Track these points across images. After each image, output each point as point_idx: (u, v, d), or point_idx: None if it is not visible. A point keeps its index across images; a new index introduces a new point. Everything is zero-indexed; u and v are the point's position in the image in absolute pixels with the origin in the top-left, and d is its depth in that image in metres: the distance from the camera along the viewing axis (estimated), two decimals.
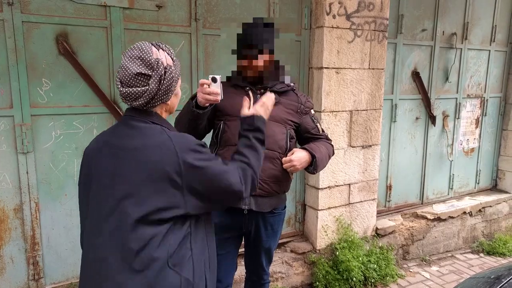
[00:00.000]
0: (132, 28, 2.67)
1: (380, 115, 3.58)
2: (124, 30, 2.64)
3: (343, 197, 3.52)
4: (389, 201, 4.12)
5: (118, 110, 2.67)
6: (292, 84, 2.16)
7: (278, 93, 2.05)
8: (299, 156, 2.02)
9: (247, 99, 1.77)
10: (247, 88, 2.06)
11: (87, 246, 1.41)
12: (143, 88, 1.32)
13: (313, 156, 2.04)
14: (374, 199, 3.72)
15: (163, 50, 1.38)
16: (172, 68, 1.38)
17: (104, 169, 1.35)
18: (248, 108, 1.72)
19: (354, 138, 3.48)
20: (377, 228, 3.77)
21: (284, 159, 2.03)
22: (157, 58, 1.33)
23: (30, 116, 2.46)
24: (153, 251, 1.29)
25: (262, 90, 2.04)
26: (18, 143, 2.44)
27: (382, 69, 3.52)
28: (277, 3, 3.18)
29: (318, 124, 2.22)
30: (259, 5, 3.12)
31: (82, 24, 2.52)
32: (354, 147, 3.50)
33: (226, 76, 2.11)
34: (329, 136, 2.28)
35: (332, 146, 2.25)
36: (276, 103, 2.04)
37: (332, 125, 3.34)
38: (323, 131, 2.25)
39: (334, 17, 3.20)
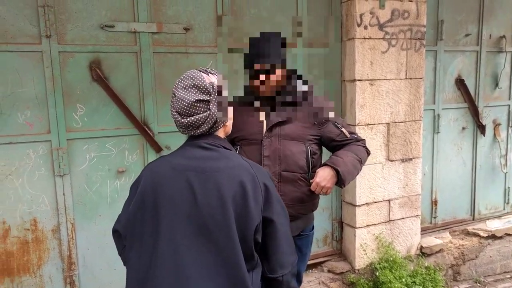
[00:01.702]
0: (161, 51, 2.73)
1: (420, 126, 3.38)
2: (153, 53, 2.70)
3: (382, 214, 3.34)
4: (435, 217, 3.85)
5: (149, 131, 2.72)
6: (308, 93, 1.99)
7: (292, 108, 1.94)
8: (323, 176, 1.87)
9: None
10: (259, 107, 1.97)
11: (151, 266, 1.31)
12: (205, 114, 1.31)
13: (336, 171, 1.87)
14: (417, 215, 3.48)
15: (211, 73, 1.38)
16: (223, 90, 1.37)
17: (181, 194, 1.29)
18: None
19: (392, 151, 3.30)
20: (422, 247, 3.53)
21: (312, 186, 1.89)
22: (211, 82, 1.33)
23: (66, 140, 2.56)
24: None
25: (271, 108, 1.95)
26: (55, 166, 2.55)
27: (421, 78, 3.33)
28: (306, 18, 3.12)
29: (343, 129, 2.02)
30: (286, 20, 3.07)
31: (114, 50, 2.61)
32: (393, 161, 3.32)
33: (233, 96, 2.04)
34: (360, 138, 2.08)
35: (364, 146, 2.05)
36: (290, 119, 1.95)
37: (368, 139, 3.19)
38: (351, 133, 2.04)
39: (365, 28, 3.08)
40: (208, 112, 1.32)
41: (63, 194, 2.59)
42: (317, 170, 1.93)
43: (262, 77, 1.89)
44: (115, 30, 2.60)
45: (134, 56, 2.67)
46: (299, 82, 2.04)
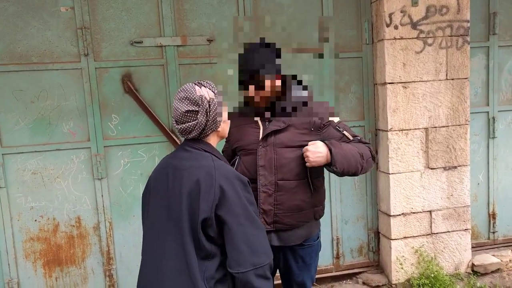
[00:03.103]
0: (186, 63, 2.87)
1: (466, 131, 3.02)
2: (178, 65, 2.85)
3: (423, 226, 3.04)
4: (493, 233, 3.39)
5: (175, 139, 2.86)
6: (302, 96, 1.90)
7: (288, 115, 1.89)
8: (314, 147, 1.79)
9: None
10: (255, 116, 1.94)
11: (147, 252, 1.57)
12: (193, 123, 1.50)
13: (330, 150, 1.77)
14: (466, 229, 3.10)
15: (204, 86, 1.56)
16: (215, 100, 1.53)
17: (162, 186, 1.54)
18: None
19: (432, 158, 3.00)
20: (473, 265, 3.13)
21: (303, 148, 1.81)
22: (201, 95, 1.50)
23: (103, 147, 2.82)
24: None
25: (270, 118, 1.91)
26: (94, 170, 2.82)
27: (465, 78, 2.99)
28: (329, 21, 3.02)
29: (345, 132, 1.90)
30: (312, 25, 3.01)
31: (142, 64, 2.82)
32: (434, 169, 3.01)
33: (233, 107, 2.05)
34: (364, 140, 1.94)
35: (369, 148, 1.91)
36: (286, 128, 1.91)
37: (403, 145, 2.96)
38: (354, 136, 1.93)
39: (396, 27, 2.88)
40: (196, 121, 1.49)
41: (102, 195, 2.85)
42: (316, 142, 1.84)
43: (252, 88, 1.87)
44: (143, 46, 2.81)
45: (161, 68, 2.85)
46: (298, 88, 1.98)
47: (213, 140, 1.61)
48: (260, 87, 1.85)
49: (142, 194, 1.67)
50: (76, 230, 2.86)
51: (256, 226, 1.50)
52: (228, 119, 1.70)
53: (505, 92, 3.33)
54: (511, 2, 3.27)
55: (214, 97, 1.53)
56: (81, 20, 2.70)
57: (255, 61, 1.83)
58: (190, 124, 1.49)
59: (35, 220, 2.78)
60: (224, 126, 1.63)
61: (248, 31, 2.65)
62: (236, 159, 2.01)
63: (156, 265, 1.52)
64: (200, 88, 1.53)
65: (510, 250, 3.30)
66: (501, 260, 3.16)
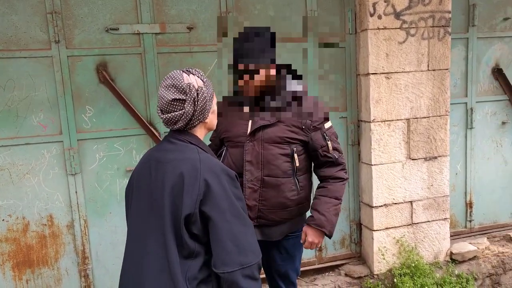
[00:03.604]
0: (165, 51, 2.71)
1: (446, 122, 3.04)
2: (157, 54, 2.70)
3: (404, 216, 3.04)
4: (470, 221, 3.45)
5: (154, 131, 2.71)
6: (301, 93, 1.84)
7: (278, 110, 1.81)
8: (314, 235, 1.90)
9: None
10: (245, 107, 1.85)
11: (130, 250, 1.48)
12: (180, 112, 1.40)
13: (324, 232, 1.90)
14: (445, 218, 3.14)
15: (193, 74, 1.45)
16: (204, 89, 1.44)
17: (144, 180, 1.46)
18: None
19: (414, 149, 3.00)
20: (452, 253, 3.17)
21: (305, 246, 1.93)
22: (189, 83, 1.40)
23: (76, 141, 2.63)
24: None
25: (260, 109, 1.83)
26: (67, 165, 2.63)
27: (446, 69, 2.99)
28: (315, 10, 2.94)
29: (329, 142, 1.86)
30: (295, 14, 2.92)
31: (119, 53, 2.64)
32: (415, 159, 3.01)
33: (223, 96, 1.95)
34: (341, 159, 1.92)
35: (341, 178, 1.92)
36: (275, 123, 1.81)
37: (385, 136, 2.93)
38: (335, 149, 1.89)
39: (379, 17, 2.83)
40: (183, 110, 1.40)
41: (76, 192, 2.67)
42: (304, 230, 1.91)
43: (246, 77, 1.78)
44: (119, 33, 2.63)
45: (139, 57, 2.68)
46: (293, 81, 1.89)
47: (200, 132, 1.53)
48: (254, 76, 1.76)
49: (125, 190, 1.58)
50: (48, 229, 2.68)
51: (244, 223, 1.41)
52: (218, 109, 1.61)
53: (482, 84, 3.36)
54: None
55: (202, 86, 1.44)
56: (51, 4, 2.49)
57: (250, 49, 1.74)
58: (176, 113, 1.40)
59: (3, 220, 2.57)
60: (212, 118, 1.54)
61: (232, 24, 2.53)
62: (223, 150, 1.93)
63: (137, 264, 1.42)
64: (188, 75, 1.44)
65: (486, 238, 3.37)
66: (478, 248, 3.22)
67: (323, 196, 1.90)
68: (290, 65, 1.94)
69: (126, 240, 1.53)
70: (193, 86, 1.41)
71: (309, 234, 1.89)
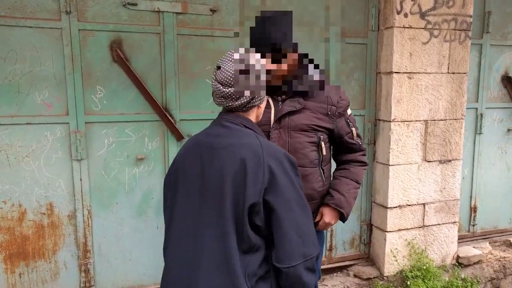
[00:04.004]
0: (185, 33, 2.51)
1: (462, 126, 3.01)
2: (176, 35, 2.49)
3: (416, 219, 2.99)
4: (473, 225, 3.45)
5: (170, 117, 2.50)
6: (322, 81, 1.73)
7: (303, 96, 1.70)
8: (331, 216, 1.81)
9: None
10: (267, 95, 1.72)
11: (176, 245, 1.34)
12: (245, 86, 1.31)
13: (341, 213, 1.82)
14: (454, 222, 3.11)
15: (253, 53, 1.37)
16: (264, 70, 1.36)
17: (194, 168, 1.32)
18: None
19: (430, 151, 2.95)
20: (458, 257, 3.15)
21: (320, 225, 1.83)
22: (257, 59, 1.33)
23: (84, 124, 2.39)
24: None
25: (284, 97, 1.72)
26: (72, 150, 2.38)
27: (465, 73, 2.96)
28: (339, 3, 2.82)
29: (353, 129, 1.82)
30: (318, 7, 2.78)
31: (136, 30, 2.42)
32: (430, 161, 2.96)
33: None
34: (363, 146, 1.90)
35: (363, 163, 1.88)
36: (301, 110, 1.69)
37: (403, 137, 2.86)
38: (358, 136, 1.85)
39: (406, 15, 2.76)
40: (248, 85, 1.31)
41: (80, 179, 2.42)
42: (321, 210, 1.81)
43: (282, 61, 1.63)
44: (137, 9, 2.40)
45: (157, 37, 2.46)
46: (314, 69, 1.77)
47: (252, 118, 1.40)
48: (278, 60, 1.61)
49: (165, 180, 1.45)
50: (47, 219, 2.41)
51: (307, 213, 1.32)
52: None
53: (492, 90, 3.37)
54: (504, 2, 3.30)
55: (263, 67, 1.35)
56: None
57: (275, 32, 1.59)
58: (241, 87, 1.29)
59: None
60: (263, 106, 1.45)
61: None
62: None
63: (188, 260, 1.28)
64: (250, 53, 1.35)
65: (488, 242, 3.37)
66: (482, 252, 3.21)
67: (344, 178, 1.84)
68: (307, 54, 1.82)
69: (169, 235, 1.38)
70: (258, 63, 1.33)
71: (326, 214, 1.80)
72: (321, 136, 1.74)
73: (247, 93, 1.31)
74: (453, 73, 2.93)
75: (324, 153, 1.75)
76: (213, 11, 2.55)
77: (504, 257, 3.28)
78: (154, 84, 2.49)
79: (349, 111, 1.82)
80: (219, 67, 1.32)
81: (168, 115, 2.51)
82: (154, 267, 2.60)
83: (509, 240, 3.40)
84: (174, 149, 2.54)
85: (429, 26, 2.82)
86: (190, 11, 2.50)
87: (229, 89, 1.30)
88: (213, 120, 1.42)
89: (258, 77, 1.32)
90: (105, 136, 2.45)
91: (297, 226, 1.28)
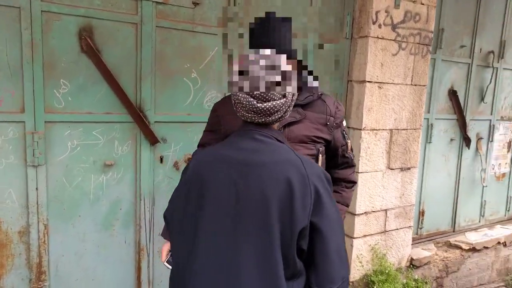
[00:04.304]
0: (165, 26, 2.38)
1: (419, 135, 3.36)
2: (155, 27, 2.35)
3: (379, 224, 3.26)
4: (421, 228, 3.87)
5: (144, 119, 2.36)
6: (318, 90, 1.77)
7: (302, 106, 1.71)
8: None
9: None
10: None
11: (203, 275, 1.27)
12: (281, 101, 1.26)
13: None
14: (410, 226, 3.46)
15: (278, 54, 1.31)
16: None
17: (223, 186, 1.26)
18: None
19: (393, 159, 3.24)
20: (412, 259, 3.51)
21: None
22: (288, 64, 1.27)
23: (43, 123, 2.13)
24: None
25: None
26: (28, 154, 2.11)
27: (424, 85, 3.31)
28: (319, 6, 2.94)
29: (348, 141, 1.87)
30: (299, 8, 2.87)
31: (110, 18, 2.23)
32: (393, 169, 3.26)
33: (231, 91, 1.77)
34: (354, 161, 1.94)
35: (353, 182, 1.94)
36: (301, 120, 1.71)
37: (372, 145, 3.10)
38: (351, 150, 1.90)
39: (380, 26, 2.98)
40: (285, 99, 1.26)
41: (36, 188, 2.16)
42: None
43: None
44: None
45: (134, 27, 2.31)
46: (309, 77, 1.83)
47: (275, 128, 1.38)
48: None
49: (180, 192, 1.39)
50: None
51: (343, 233, 1.37)
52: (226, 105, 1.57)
53: (440, 102, 3.80)
54: (454, 21, 3.74)
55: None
56: None
57: (280, 35, 1.58)
58: (277, 102, 1.24)
59: None
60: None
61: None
62: None
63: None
64: (280, 57, 1.28)
65: (433, 244, 3.82)
66: (431, 254, 3.62)
67: (336, 203, 1.91)
68: (302, 60, 1.86)
69: (191, 260, 1.29)
70: (289, 69, 1.27)
71: None
72: (320, 148, 1.75)
73: (284, 107, 1.27)
74: (415, 85, 3.25)
75: (320, 165, 1.77)
76: (195, 4, 2.47)
77: (447, 257, 3.75)
78: (127, 81, 2.33)
79: (344, 123, 1.86)
80: (246, 72, 1.24)
81: (142, 116, 2.36)
82: (120, 287, 2.44)
83: (449, 241, 3.89)
84: (147, 154, 2.41)
85: (399, 39, 3.09)
86: (171, 2, 2.38)
87: (265, 104, 1.24)
88: (237, 132, 1.34)
89: (293, 87, 1.28)
90: (68, 139, 2.22)
91: (338, 247, 1.30)
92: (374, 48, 2.98)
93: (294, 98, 1.31)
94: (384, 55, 3.04)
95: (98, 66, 2.22)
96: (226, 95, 1.79)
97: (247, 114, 1.28)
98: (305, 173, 1.25)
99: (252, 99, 1.24)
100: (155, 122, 2.42)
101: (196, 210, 1.30)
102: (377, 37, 2.98)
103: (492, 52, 4.05)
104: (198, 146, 1.83)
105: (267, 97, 1.23)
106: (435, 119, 3.77)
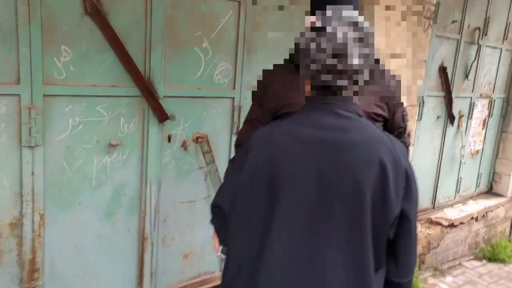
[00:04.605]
0: None
1: (416, 112, 3.51)
2: None
3: None
4: None
5: (154, 93, 2.21)
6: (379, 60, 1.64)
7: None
8: None
9: None
10: None
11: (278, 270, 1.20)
12: (364, 59, 1.18)
13: None
14: None
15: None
16: None
17: (303, 169, 1.17)
18: None
19: None
20: None
21: None
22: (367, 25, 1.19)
23: (42, 97, 1.92)
24: None
25: None
26: (23, 133, 1.89)
27: (424, 61, 3.43)
28: None
29: (408, 124, 1.82)
30: None
31: None
32: None
33: (284, 59, 1.65)
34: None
35: None
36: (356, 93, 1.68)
37: None
38: (408, 135, 1.88)
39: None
40: (368, 58, 1.18)
41: (32, 173, 1.95)
42: None
43: None
44: None
45: None
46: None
47: None
48: None
49: (245, 177, 1.25)
50: None
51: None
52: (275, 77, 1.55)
53: (431, 79, 3.97)
54: None
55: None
56: None
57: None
58: (362, 60, 1.16)
59: None
60: None
61: None
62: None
63: (306, 277, 1.20)
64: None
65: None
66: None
67: None
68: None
69: (263, 257, 1.22)
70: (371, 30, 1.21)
71: None
72: (379, 127, 1.65)
73: (366, 72, 1.19)
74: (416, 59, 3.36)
75: None
76: None
77: (430, 233, 4.03)
78: (136, 49, 2.15)
79: (405, 103, 1.81)
80: (324, 29, 1.15)
81: (152, 89, 2.21)
82: (121, 281, 2.34)
83: (431, 218, 4.17)
84: (154, 132, 2.27)
85: (403, 9, 3.14)
86: None
87: (349, 61, 1.14)
88: (312, 106, 1.24)
89: (374, 49, 1.22)
90: (70, 115, 2.02)
91: (416, 235, 1.34)
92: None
93: (373, 63, 1.23)
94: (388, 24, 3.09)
95: (104, 31, 2.02)
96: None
97: (323, 80, 1.17)
98: (395, 153, 1.20)
99: (332, 58, 1.14)
100: (164, 96, 2.27)
101: (268, 199, 1.22)
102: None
103: (478, 28, 4.26)
104: (246, 122, 1.70)
105: (348, 54, 1.14)
106: (427, 96, 3.94)
